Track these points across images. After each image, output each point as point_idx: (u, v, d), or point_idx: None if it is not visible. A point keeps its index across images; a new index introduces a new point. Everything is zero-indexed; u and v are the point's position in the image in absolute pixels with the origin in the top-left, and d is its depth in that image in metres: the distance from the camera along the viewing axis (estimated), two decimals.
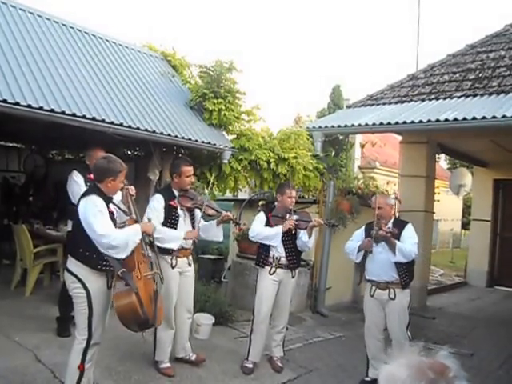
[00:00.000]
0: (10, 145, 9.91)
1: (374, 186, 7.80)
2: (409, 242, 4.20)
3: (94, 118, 5.01)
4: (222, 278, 7.14)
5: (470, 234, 11.68)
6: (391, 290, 4.23)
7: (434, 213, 8.33)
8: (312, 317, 6.58)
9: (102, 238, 3.02)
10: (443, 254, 14.75)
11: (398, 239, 4.19)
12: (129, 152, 7.76)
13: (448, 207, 14.39)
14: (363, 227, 4.60)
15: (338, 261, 6.94)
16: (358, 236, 4.53)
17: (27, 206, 9.02)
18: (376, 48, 62.67)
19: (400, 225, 4.37)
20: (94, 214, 3.07)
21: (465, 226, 17.59)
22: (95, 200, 3.14)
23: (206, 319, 5.18)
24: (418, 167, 7.84)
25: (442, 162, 18.30)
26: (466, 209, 17.20)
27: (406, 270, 4.25)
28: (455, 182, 9.65)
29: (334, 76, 41.32)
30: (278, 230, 4.36)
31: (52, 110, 4.65)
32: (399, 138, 8.69)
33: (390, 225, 4.33)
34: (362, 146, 9.24)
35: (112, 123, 5.16)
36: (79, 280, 3.17)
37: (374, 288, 4.33)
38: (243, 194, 8.65)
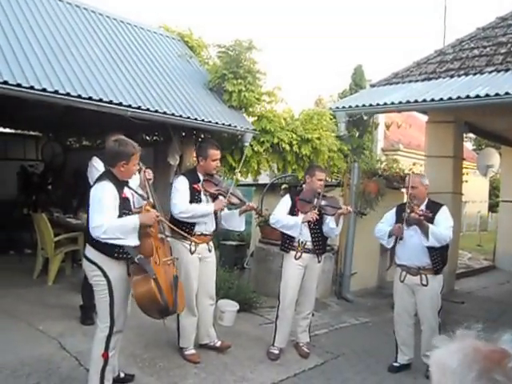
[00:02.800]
0: (28, 133, 9.91)
1: (397, 168, 7.57)
2: (443, 225, 3.98)
3: (110, 102, 4.89)
4: (245, 265, 7.06)
5: (499, 216, 11.35)
6: (423, 276, 4.05)
7: (462, 194, 8.07)
8: (337, 302, 6.52)
9: (93, 231, 2.91)
10: (470, 238, 14.43)
11: (432, 222, 3.97)
12: (148, 137, 7.68)
13: (474, 189, 13.99)
14: (394, 209, 4.40)
15: (363, 245, 6.91)
16: (389, 218, 4.33)
17: (46, 195, 9.05)
18: (400, 26, 60.87)
19: (434, 207, 4.13)
20: (93, 207, 2.97)
21: (492, 208, 17.13)
22: (103, 186, 3.03)
23: (230, 306, 5.11)
24: (445, 147, 7.57)
25: (467, 143, 17.79)
26: (493, 190, 16.73)
27: (438, 254, 4.05)
28: (483, 162, 9.35)
29: (356, 56, 40.23)
30: (297, 220, 4.21)
31: (68, 94, 4.56)
32: (423, 118, 8.41)
33: (423, 207, 4.10)
34: (388, 127, 8.94)
35: (129, 106, 5.04)
36: (99, 267, 3.08)
37: (404, 273, 4.16)
38: (264, 178, 8.50)
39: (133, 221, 2.98)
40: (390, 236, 4.17)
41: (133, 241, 2.96)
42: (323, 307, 6.07)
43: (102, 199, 2.96)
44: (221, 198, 4.08)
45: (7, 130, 9.58)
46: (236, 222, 4.27)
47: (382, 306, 6.50)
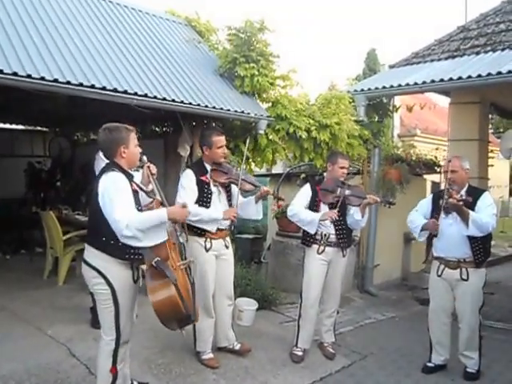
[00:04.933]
0: (34, 129, 9.79)
1: (415, 154, 7.21)
2: (486, 212, 3.62)
3: (115, 90, 4.61)
4: (262, 259, 6.78)
5: None
6: (463, 270, 3.71)
7: (488, 179, 7.70)
8: (361, 297, 6.29)
9: (117, 224, 2.55)
10: None
11: (473, 209, 3.62)
12: (157, 128, 7.49)
13: (496, 173, 13.55)
14: (431, 196, 4.06)
15: (385, 236, 6.65)
16: (424, 206, 3.99)
17: (55, 192, 8.92)
18: (414, 8, 58.89)
19: (475, 193, 3.77)
20: (110, 197, 2.61)
21: None
22: (115, 176, 2.69)
23: (249, 304, 4.85)
24: (470, 130, 7.19)
25: None
26: None
27: (480, 245, 3.69)
28: (506, 145, 8.90)
29: (368, 40, 38.95)
30: (314, 218, 3.91)
31: (68, 82, 4.28)
32: (440, 102, 8.03)
33: (462, 193, 3.74)
34: (409, 109, 8.52)
35: (135, 94, 4.76)
36: (100, 274, 2.74)
37: (442, 266, 3.81)
38: (277, 168, 8.19)
39: (159, 215, 2.62)
40: (422, 229, 3.84)
41: (154, 240, 2.60)
42: (346, 302, 5.80)
43: (117, 190, 2.62)
44: (231, 208, 3.81)
45: (13, 126, 9.45)
46: (253, 210, 3.95)
47: (408, 299, 6.31)
